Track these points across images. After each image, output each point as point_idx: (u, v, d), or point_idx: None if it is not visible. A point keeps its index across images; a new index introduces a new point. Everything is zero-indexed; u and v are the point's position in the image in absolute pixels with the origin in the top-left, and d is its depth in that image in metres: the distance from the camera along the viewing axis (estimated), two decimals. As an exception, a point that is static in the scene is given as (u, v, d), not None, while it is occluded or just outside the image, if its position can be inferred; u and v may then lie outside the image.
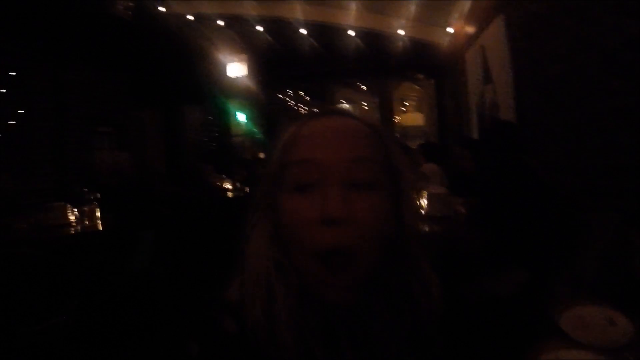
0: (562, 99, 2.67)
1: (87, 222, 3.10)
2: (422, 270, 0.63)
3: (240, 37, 7.31)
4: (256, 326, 0.54)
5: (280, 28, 7.00)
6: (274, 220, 0.59)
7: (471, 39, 4.85)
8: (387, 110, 8.34)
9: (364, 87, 10.14)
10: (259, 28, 6.98)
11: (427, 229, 2.63)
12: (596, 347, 1.00)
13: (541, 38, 2.92)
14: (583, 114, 2.42)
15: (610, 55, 2.10)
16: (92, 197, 3.29)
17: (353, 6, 6.27)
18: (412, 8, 5.75)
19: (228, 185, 6.47)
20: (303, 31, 6.85)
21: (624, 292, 1.49)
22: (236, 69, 7.49)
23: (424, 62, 6.96)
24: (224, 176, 6.66)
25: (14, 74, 5.48)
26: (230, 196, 5.96)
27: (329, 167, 0.54)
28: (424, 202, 2.98)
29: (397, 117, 10.27)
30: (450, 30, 5.66)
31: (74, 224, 3.13)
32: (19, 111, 5.60)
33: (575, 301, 1.54)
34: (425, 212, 2.91)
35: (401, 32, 6.38)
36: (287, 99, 10.59)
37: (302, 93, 10.59)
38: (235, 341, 0.54)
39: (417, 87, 9.85)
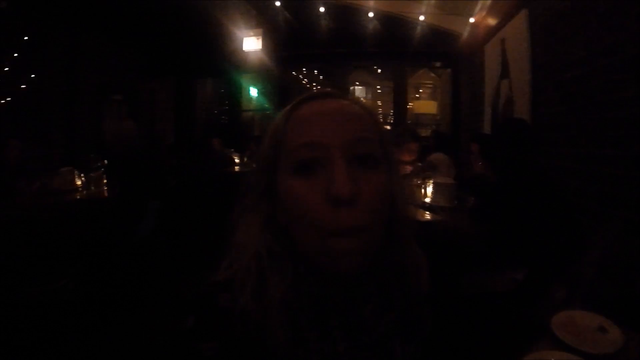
0: (577, 102, 2.63)
1: (93, 188, 3.12)
2: (412, 251, 0.64)
3: (257, 11, 7.21)
4: (246, 310, 0.55)
5: (298, 4, 6.89)
6: (270, 206, 0.59)
7: (492, 31, 4.76)
8: (400, 95, 8.23)
9: (379, 71, 10.01)
10: (277, 3, 6.87)
11: (429, 217, 2.64)
12: (584, 353, 1.02)
13: (563, 37, 2.86)
14: (597, 120, 2.39)
15: (630, 63, 2.06)
16: (100, 164, 3.30)
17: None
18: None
19: (236, 159, 6.50)
20: (321, 9, 6.74)
21: (619, 298, 1.51)
22: (251, 43, 7.40)
23: (442, 50, 6.84)
24: (232, 150, 6.68)
25: (27, 38, 5.44)
26: (237, 170, 5.99)
27: (333, 147, 0.53)
28: (429, 190, 2.99)
29: (410, 104, 10.16)
30: (471, 20, 5.55)
31: (80, 189, 3.15)
32: (31, 76, 5.60)
33: (568, 305, 1.56)
34: (430, 201, 2.91)
35: (422, 18, 6.26)
36: (301, 76, 10.48)
37: (316, 72, 10.48)
38: (229, 315, 0.55)
39: (433, 75, 9.72)
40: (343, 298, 0.58)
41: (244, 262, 0.58)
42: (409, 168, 3.54)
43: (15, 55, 5.35)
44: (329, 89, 0.63)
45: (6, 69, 5.26)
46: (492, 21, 4.80)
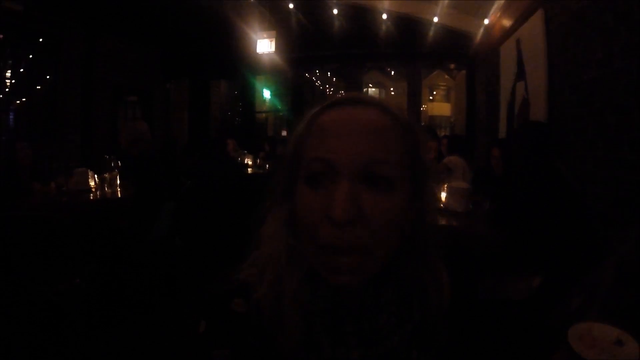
0: (595, 104, 2.57)
1: (107, 189, 3.16)
2: (434, 264, 0.63)
3: (271, 13, 7.24)
4: (262, 304, 0.55)
5: (311, 6, 6.89)
6: (289, 207, 0.59)
7: (507, 32, 4.69)
8: (415, 97, 8.19)
9: (393, 72, 9.98)
10: (290, 5, 6.89)
11: (444, 222, 2.61)
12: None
13: (580, 38, 2.79)
14: (615, 123, 2.33)
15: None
16: (114, 165, 3.34)
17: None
18: (449, -5, 5.60)
19: (249, 161, 6.52)
20: (335, 11, 6.73)
21: (636, 308, 1.46)
22: (264, 45, 7.43)
23: (456, 51, 6.77)
24: (246, 152, 6.70)
25: (42, 40, 5.53)
26: (251, 172, 6.00)
27: (342, 167, 0.52)
28: (443, 194, 2.95)
29: (424, 106, 10.11)
30: (486, 21, 5.48)
31: (94, 189, 3.19)
32: (46, 77, 5.68)
33: (585, 313, 1.52)
34: (445, 205, 2.87)
35: (435, 19, 6.21)
36: (314, 78, 10.49)
37: (329, 73, 10.48)
38: (242, 321, 0.55)
39: (447, 77, 9.65)
40: (357, 303, 0.58)
41: (266, 255, 0.59)
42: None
43: (31, 56, 5.46)
44: (355, 94, 0.59)
45: (21, 70, 5.36)
46: (507, 22, 4.74)
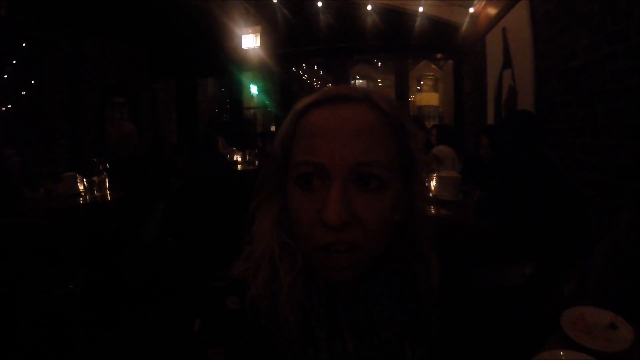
0: (582, 91, 2.59)
1: (96, 192, 3.13)
2: (424, 253, 0.64)
3: (255, 8, 7.19)
4: (257, 300, 0.55)
5: (296, 0, 6.86)
6: (281, 201, 0.60)
7: (493, 21, 4.70)
8: (402, 88, 8.19)
9: (380, 64, 9.96)
10: (274, 0, 6.84)
11: (434, 211, 2.62)
12: (595, 351, 1.00)
13: (566, 25, 2.82)
14: (602, 109, 2.36)
15: (635, 50, 2.02)
16: (102, 168, 3.31)
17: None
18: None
19: (239, 158, 6.49)
20: (319, 4, 6.69)
21: (629, 292, 1.48)
22: (250, 40, 7.39)
23: (443, 41, 6.77)
24: (235, 148, 6.67)
25: (25, 44, 5.45)
26: (241, 169, 5.98)
27: (332, 170, 0.52)
28: (433, 184, 2.96)
29: (412, 96, 10.11)
30: (471, 10, 5.49)
31: (83, 193, 3.16)
32: (32, 82, 5.60)
33: (578, 299, 1.54)
34: (434, 195, 2.88)
35: (421, 9, 6.20)
36: (302, 72, 10.44)
37: (317, 67, 10.43)
38: (237, 318, 0.55)
39: (434, 67, 9.65)
40: (351, 297, 0.60)
41: (259, 252, 0.59)
42: None
43: (15, 62, 5.37)
44: (344, 89, 0.58)
45: (5, 76, 5.27)
46: (492, 10, 4.75)
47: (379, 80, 11.55)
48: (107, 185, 3.24)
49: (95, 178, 3.17)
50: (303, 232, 0.54)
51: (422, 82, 10.63)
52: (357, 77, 11.09)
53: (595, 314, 1.15)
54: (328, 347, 0.56)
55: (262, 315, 0.55)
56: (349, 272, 0.54)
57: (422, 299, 0.64)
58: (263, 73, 8.60)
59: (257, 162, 6.12)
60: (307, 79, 10.71)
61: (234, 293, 0.57)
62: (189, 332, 0.56)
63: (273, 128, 9.21)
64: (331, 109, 0.55)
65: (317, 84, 11.19)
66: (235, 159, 6.46)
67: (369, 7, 6.54)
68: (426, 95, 10.57)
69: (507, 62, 4.15)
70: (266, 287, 0.56)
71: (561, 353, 1.01)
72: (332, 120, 0.54)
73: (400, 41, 6.98)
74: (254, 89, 9.75)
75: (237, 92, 8.72)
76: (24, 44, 5.44)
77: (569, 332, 1.08)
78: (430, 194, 2.91)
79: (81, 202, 3.00)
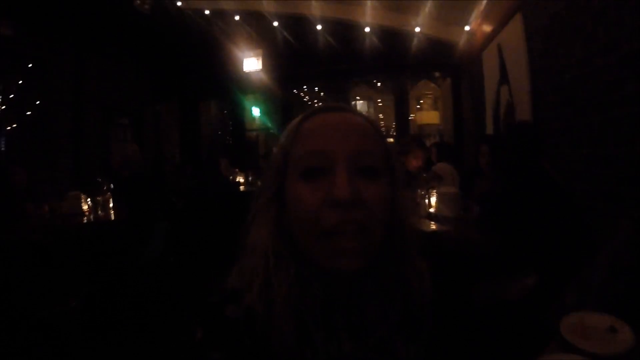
0: (578, 103, 2.61)
1: (100, 212, 3.15)
2: (413, 258, 0.66)
3: (257, 32, 7.33)
4: (252, 310, 0.57)
5: (296, 24, 6.99)
6: (278, 210, 0.62)
7: (488, 38, 4.78)
8: (402, 107, 8.26)
9: (379, 84, 10.07)
10: (275, 23, 6.98)
11: (434, 227, 2.63)
12: (594, 355, 0.99)
13: (559, 39, 2.86)
14: (598, 120, 2.38)
15: (627, 60, 2.05)
16: (106, 187, 3.34)
17: (369, 3, 6.23)
18: (429, 5, 5.69)
19: (241, 179, 6.53)
20: (319, 27, 6.82)
21: (631, 300, 1.47)
22: (251, 63, 7.51)
23: (440, 60, 6.87)
24: (238, 170, 6.72)
25: (31, 65, 5.55)
26: (243, 190, 6.00)
27: (337, 157, 0.57)
28: (433, 201, 2.97)
29: (412, 115, 10.19)
30: (467, 28, 5.58)
31: (87, 213, 3.18)
32: (36, 102, 5.69)
33: (580, 309, 1.52)
34: (435, 212, 2.90)
35: (418, 29, 6.31)
36: (302, 94, 10.56)
37: (317, 89, 10.56)
38: (237, 326, 0.56)
39: (433, 86, 9.75)
40: (345, 298, 0.61)
41: (253, 263, 0.61)
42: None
43: (20, 82, 5.46)
44: (335, 103, 0.66)
45: (11, 95, 5.36)
46: (487, 28, 4.83)
47: (379, 100, 11.67)
48: (111, 204, 3.26)
49: (99, 198, 3.20)
50: (309, 219, 0.56)
51: (422, 101, 10.73)
52: (357, 97, 11.20)
53: (595, 318, 1.15)
54: (325, 349, 0.57)
55: (258, 322, 0.56)
56: (358, 258, 0.55)
57: (415, 299, 0.65)
58: (265, 95, 8.72)
59: (259, 183, 6.14)
60: (308, 100, 10.82)
61: (233, 302, 0.59)
62: (191, 342, 0.57)
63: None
64: (326, 115, 0.63)
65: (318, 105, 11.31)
66: (237, 180, 6.50)
67: (367, 29, 6.66)
68: (426, 114, 10.65)
69: (504, 78, 4.20)
70: (261, 295, 0.57)
71: (558, 357, 1.00)
72: (333, 121, 0.62)
73: (398, 61, 7.09)
74: (256, 111, 9.86)
75: (239, 114, 8.83)
76: (29, 65, 5.54)
77: (568, 336, 1.07)
78: (432, 210, 2.94)
79: (85, 221, 3.02)
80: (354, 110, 0.66)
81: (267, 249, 0.60)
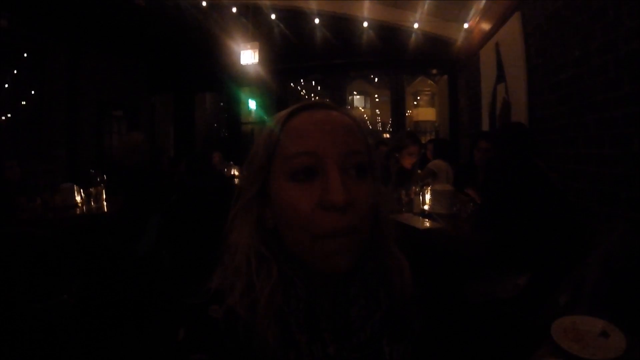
0: (574, 103, 2.61)
1: (93, 204, 3.13)
2: (394, 254, 0.67)
3: (254, 25, 7.28)
4: (236, 310, 0.56)
5: (293, 17, 6.95)
6: (260, 209, 0.61)
7: (486, 36, 4.76)
8: (399, 103, 8.26)
9: (377, 80, 10.05)
10: (272, 16, 6.93)
11: (429, 225, 2.63)
12: (583, 359, 0.99)
13: (557, 38, 2.85)
14: (594, 119, 2.37)
15: (624, 60, 2.04)
16: (99, 179, 3.31)
17: (367, -1, 6.22)
18: (428, 2, 5.67)
19: (236, 172, 6.50)
20: (316, 21, 6.78)
21: (623, 301, 1.47)
22: (248, 56, 7.46)
23: (438, 57, 6.86)
24: (232, 163, 6.69)
25: (26, 55, 5.50)
26: (238, 183, 5.98)
27: (328, 158, 0.56)
28: (427, 198, 2.97)
29: (409, 111, 10.19)
30: (465, 25, 5.57)
31: (80, 205, 3.15)
32: (31, 92, 5.65)
33: (572, 309, 1.53)
34: (430, 209, 2.90)
35: (416, 25, 6.29)
36: (299, 88, 10.53)
37: (314, 83, 10.53)
38: (220, 327, 0.56)
39: (430, 82, 9.75)
40: (329, 300, 0.61)
41: (235, 264, 0.60)
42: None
43: (15, 72, 5.42)
44: (321, 100, 0.66)
45: (6, 85, 5.32)
46: (486, 26, 4.82)
47: (376, 95, 11.66)
48: (104, 197, 3.23)
49: (92, 190, 3.17)
50: (300, 222, 0.55)
51: (418, 98, 10.74)
52: (354, 92, 11.18)
53: (587, 322, 1.14)
54: (309, 351, 0.56)
55: (240, 323, 0.55)
56: (350, 258, 0.56)
57: (397, 294, 0.66)
58: (261, 88, 8.67)
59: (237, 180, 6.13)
60: (304, 94, 10.79)
61: (216, 302, 0.58)
62: (173, 342, 0.56)
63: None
64: (313, 112, 0.62)
65: (313, 99, 11.31)
66: (232, 173, 6.47)
67: (365, 24, 6.63)
68: (423, 111, 10.66)
69: (501, 76, 4.20)
70: (243, 296, 0.57)
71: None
72: (317, 119, 0.60)
73: (396, 57, 7.07)
74: (252, 104, 9.81)
75: (235, 107, 8.78)
76: (24, 55, 5.51)
77: (559, 340, 1.06)
78: (426, 208, 2.93)
79: (78, 213, 3.00)
80: (339, 107, 0.65)
81: (249, 250, 0.60)
